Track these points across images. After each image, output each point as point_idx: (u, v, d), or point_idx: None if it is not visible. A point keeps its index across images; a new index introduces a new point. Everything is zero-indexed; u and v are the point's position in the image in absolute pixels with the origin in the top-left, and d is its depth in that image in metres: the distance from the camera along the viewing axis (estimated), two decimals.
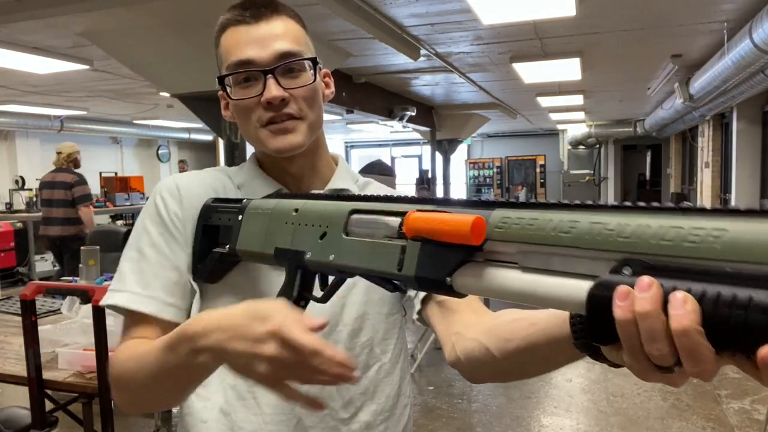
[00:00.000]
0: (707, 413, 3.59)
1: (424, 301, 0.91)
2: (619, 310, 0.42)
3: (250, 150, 1.17)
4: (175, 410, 2.20)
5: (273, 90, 0.83)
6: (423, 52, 4.74)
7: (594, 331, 0.46)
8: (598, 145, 13.48)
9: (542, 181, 14.34)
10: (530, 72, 5.66)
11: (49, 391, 2.05)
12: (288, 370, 0.59)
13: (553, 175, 14.25)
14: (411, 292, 0.94)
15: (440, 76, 6.11)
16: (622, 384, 4.07)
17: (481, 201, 0.56)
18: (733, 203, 7.47)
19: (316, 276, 0.72)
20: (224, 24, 0.88)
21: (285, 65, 0.84)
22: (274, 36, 0.85)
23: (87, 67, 4.81)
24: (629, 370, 0.47)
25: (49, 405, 2.13)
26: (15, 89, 6.18)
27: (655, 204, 0.45)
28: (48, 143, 9.70)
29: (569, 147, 13.57)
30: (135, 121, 9.73)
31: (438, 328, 0.89)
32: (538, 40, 4.51)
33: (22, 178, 8.80)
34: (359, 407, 0.91)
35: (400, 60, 5.06)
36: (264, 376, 0.60)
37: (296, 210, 0.74)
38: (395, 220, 0.62)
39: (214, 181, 0.93)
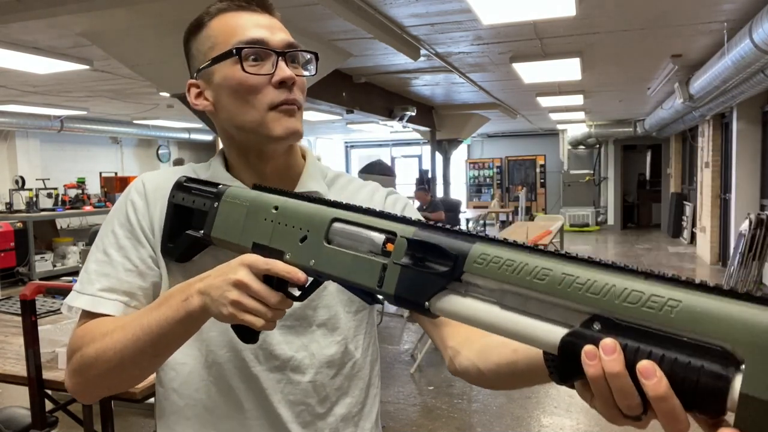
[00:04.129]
0: None
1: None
2: (591, 368, 0.48)
3: None
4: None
5: (287, 69, 0.84)
6: (423, 52, 4.74)
7: (563, 374, 0.52)
8: (598, 145, 13.48)
9: (542, 181, 14.35)
10: (530, 72, 5.66)
11: (49, 391, 2.05)
12: (253, 300, 0.68)
13: (553, 175, 14.25)
14: None
15: (440, 76, 6.12)
16: None
17: (462, 232, 0.60)
18: (732, 204, 7.48)
19: None
20: (221, 9, 0.87)
21: (293, 53, 0.86)
22: (279, 27, 0.87)
23: (87, 67, 4.81)
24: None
25: (49, 405, 2.13)
26: (15, 89, 6.18)
27: (620, 264, 0.50)
28: (48, 143, 9.70)
29: (569, 147, 13.56)
30: (135, 121, 9.73)
31: (432, 336, 0.92)
32: (538, 40, 4.51)
33: (22, 178, 8.78)
34: (335, 402, 0.93)
35: (400, 60, 5.07)
36: (233, 302, 0.68)
37: (276, 208, 0.75)
38: (380, 237, 0.65)
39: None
